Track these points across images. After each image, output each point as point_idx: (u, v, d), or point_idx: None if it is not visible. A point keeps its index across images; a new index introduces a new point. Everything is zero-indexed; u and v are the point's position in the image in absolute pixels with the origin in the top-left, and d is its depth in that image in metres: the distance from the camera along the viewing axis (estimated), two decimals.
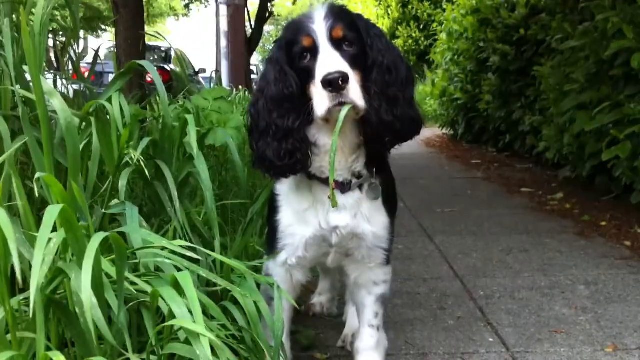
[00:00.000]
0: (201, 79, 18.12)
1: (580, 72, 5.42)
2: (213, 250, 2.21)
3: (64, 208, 1.23)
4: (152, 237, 1.53)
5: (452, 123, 11.42)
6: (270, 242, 2.26)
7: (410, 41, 20.79)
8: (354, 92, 1.92)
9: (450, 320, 3.09)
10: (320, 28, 1.99)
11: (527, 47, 7.93)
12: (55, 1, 2.04)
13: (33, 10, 2.18)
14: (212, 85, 6.41)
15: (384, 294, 2.32)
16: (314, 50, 1.99)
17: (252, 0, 22.40)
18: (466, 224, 5.08)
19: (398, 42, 20.98)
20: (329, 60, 1.93)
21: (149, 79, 5.37)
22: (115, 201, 1.97)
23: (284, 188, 2.22)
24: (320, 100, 1.93)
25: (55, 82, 2.95)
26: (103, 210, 1.92)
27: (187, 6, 21.24)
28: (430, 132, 13.07)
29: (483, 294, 3.44)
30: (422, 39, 20.46)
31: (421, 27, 20.69)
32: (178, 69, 13.97)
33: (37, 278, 1.16)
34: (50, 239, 1.27)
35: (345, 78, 1.87)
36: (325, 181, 2.11)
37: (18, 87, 2.00)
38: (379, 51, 2.07)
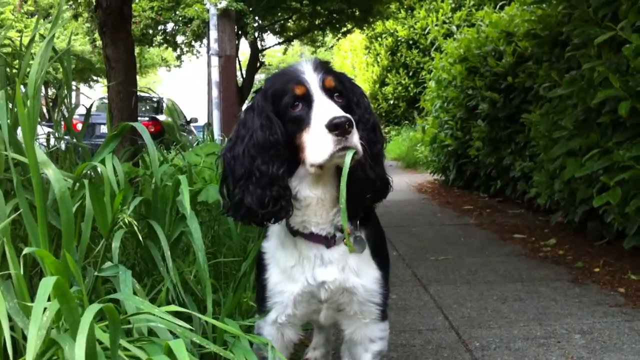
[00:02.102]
0: (193, 128, 18.25)
1: (569, 120, 5.47)
2: (206, 307, 2.20)
3: (58, 280, 1.23)
4: (145, 305, 1.53)
5: (443, 169, 11.46)
6: (260, 301, 2.25)
7: (400, 88, 21.03)
8: (356, 137, 1.92)
9: None
10: (311, 78, 2.01)
11: (515, 94, 8.01)
12: (47, 65, 2.05)
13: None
14: (204, 134, 6.48)
15: (381, 351, 2.30)
16: (306, 98, 1.99)
17: (243, 50, 22.73)
18: (460, 272, 5.07)
19: (387, 89, 21.22)
20: (330, 106, 1.94)
21: None
22: (108, 263, 1.96)
23: (271, 246, 2.22)
24: (322, 145, 1.90)
25: (48, 140, 2.96)
26: (96, 273, 1.91)
27: (178, 57, 21.44)
28: (421, 177, 13.13)
29: (479, 344, 3.41)
30: (412, 85, 20.70)
31: (410, 74, 20.95)
32: (170, 119, 14.06)
33: (32, 354, 1.15)
34: (45, 309, 1.27)
35: (350, 122, 1.88)
36: (308, 236, 2.12)
37: (11, 150, 2.00)
38: (365, 109, 2.12)
